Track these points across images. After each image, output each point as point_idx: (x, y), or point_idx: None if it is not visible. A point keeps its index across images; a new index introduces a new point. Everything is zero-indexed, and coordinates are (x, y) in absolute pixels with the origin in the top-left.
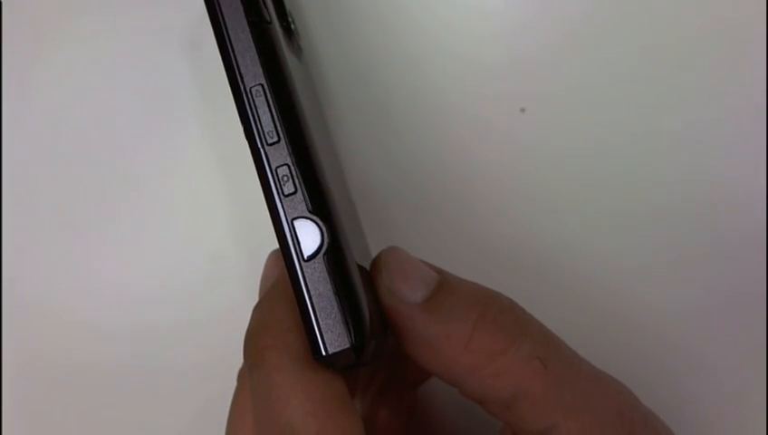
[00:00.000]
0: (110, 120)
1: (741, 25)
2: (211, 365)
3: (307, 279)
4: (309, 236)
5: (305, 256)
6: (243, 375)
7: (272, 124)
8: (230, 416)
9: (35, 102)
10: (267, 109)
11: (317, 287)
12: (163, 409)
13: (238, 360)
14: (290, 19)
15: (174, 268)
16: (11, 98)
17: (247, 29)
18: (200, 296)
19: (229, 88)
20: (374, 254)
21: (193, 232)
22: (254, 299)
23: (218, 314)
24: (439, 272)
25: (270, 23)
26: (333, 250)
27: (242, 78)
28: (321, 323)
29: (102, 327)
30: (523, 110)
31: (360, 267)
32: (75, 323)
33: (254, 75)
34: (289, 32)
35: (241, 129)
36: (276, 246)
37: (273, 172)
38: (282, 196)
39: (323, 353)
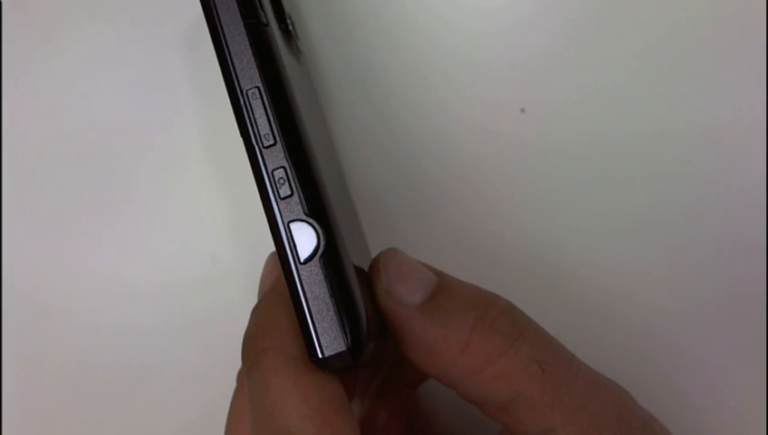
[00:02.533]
0: (109, 120)
1: (741, 26)
2: (211, 365)
3: (303, 282)
4: (305, 238)
5: (301, 259)
6: (242, 376)
7: (268, 127)
8: (229, 417)
9: (35, 102)
10: (263, 111)
11: (313, 290)
12: (163, 409)
13: (238, 360)
14: (289, 21)
15: (174, 268)
16: (11, 98)
17: (244, 31)
18: (200, 296)
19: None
20: (374, 255)
21: (193, 232)
22: (254, 300)
23: (218, 314)
24: (438, 274)
25: (267, 25)
26: (330, 253)
27: (238, 81)
28: (317, 325)
29: (102, 327)
30: (523, 110)
31: (359, 269)
32: (75, 323)
33: (250, 78)
34: (288, 34)
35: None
36: None
37: (270, 175)
38: (278, 198)
39: (320, 356)
